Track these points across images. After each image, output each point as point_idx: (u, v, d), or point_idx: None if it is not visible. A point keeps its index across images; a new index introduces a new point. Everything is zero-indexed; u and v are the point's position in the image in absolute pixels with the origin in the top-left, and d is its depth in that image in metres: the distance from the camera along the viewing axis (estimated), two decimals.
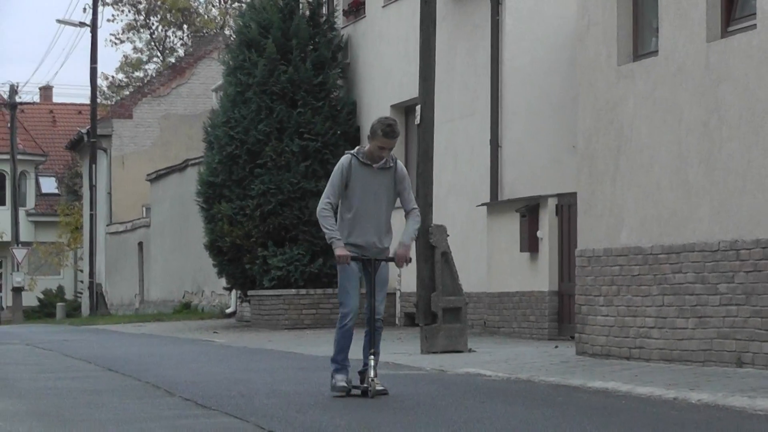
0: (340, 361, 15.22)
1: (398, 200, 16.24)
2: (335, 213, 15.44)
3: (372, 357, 15.20)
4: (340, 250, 14.81)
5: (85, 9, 73.05)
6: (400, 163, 15.47)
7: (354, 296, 15.02)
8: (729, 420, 14.45)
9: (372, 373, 15.05)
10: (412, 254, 17.44)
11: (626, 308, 23.29)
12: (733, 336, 20.37)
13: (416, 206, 15.64)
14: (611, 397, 17.43)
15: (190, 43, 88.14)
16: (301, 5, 42.79)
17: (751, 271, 19.93)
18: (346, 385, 14.94)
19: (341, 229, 15.21)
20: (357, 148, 15.43)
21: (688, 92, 21.64)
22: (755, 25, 20.13)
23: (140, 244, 64.60)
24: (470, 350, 27.14)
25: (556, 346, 28.23)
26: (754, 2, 20.35)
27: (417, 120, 30.64)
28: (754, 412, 14.76)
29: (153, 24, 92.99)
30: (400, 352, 26.35)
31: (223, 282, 46.09)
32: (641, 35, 23.76)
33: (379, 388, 15.25)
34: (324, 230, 15.24)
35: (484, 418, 14.41)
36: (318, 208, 15.39)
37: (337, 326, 15.49)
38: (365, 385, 15.08)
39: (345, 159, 15.33)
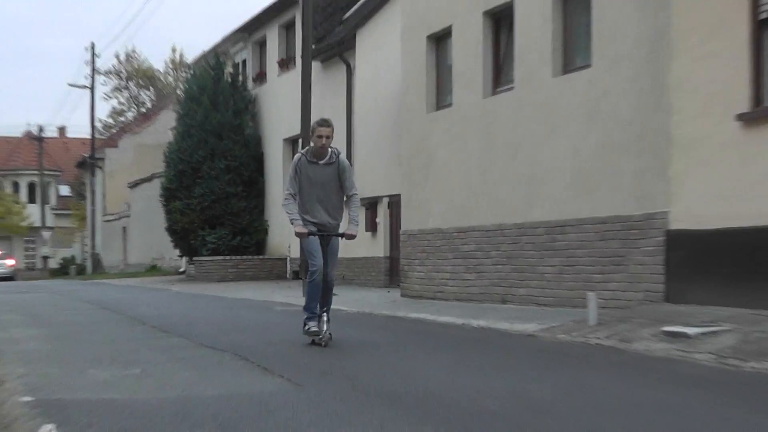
0: (311, 309, 13.39)
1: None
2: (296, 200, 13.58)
3: (325, 313, 13.57)
4: (299, 228, 13.21)
5: (86, 77, 73.34)
6: (343, 158, 13.68)
7: (318, 257, 13.29)
8: (496, 336, 15.40)
9: (325, 327, 13.38)
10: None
11: (432, 267, 23.72)
12: (499, 284, 21.10)
13: (356, 191, 13.83)
14: (423, 324, 18.00)
15: (154, 99, 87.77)
16: (225, 74, 42.81)
17: (511, 243, 20.66)
18: (317, 329, 13.25)
19: (301, 212, 13.46)
20: (306, 148, 13.76)
21: (472, 129, 22.17)
22: (513, 87, 20.95)
23: (124, 228, 65.01)
24: (334, 294, 26.72)
25: (388, 291, 27.73)
26: (512, 73, 21.16)
27: (300, 148, 30.95)
28: (513, 331, 15.66)
29: (130, 87, 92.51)
30: (290, 296, 26.05)
31: (177, 252, 45.98)
32: (442, 94, 24.05)
33: (328, 338, 13.52)
34: (287, 214, 13.54)
35: (342, 337, 14.69)
36: (282, 199, 13.78)
37: (307, 281, 13.72)
38: (320, 336, 13.31)
39: (297, 158, 13.60)
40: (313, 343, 13.33)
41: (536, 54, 20.27)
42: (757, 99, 15.02)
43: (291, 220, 13.37)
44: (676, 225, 16.49)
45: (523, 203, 20.52)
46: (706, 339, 12.53)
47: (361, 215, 32.12)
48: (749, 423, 8.16)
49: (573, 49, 19.84)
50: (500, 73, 22.04)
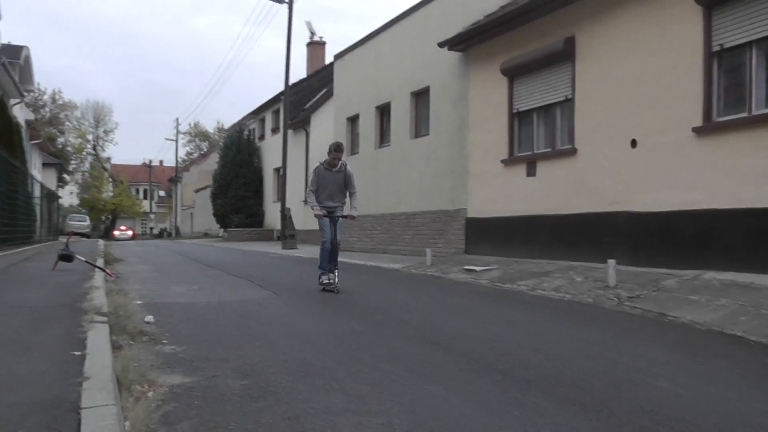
0: (323, 268, 10.63)
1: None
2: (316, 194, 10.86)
3: (336, 269, 10.55)
4: (317, 212, 10.56)
5: (174, 135, 71.91)
6: (349, 168, 11.04)
7: (328, 232, 10.54)
8: (379, 270, 15.13)
9: (336, 280, 10.45)
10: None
11: (348, 234, 22.85)
12: (381, 244, 20.68)
13: (356, 190, 11.08)
14: (342, 263, 16.74)
15: (207, 146, 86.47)
16: (243, 134, 42.08)
17: (388, 223, 20.43)
18: (328, 281, 10.45)
19: (319, 200, 10.80)
20: (324, 160, 10.89)
21: (369, 166, 21.78)
22: (390, 144, 20.65)
23: (191, 213, 63.58)
24: (297, 248, 25.45)
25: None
26: (390, 137, 20.81)
27: (281, 173, 30.35)
28: (388, 268, 15.47)
29: (195, 140, 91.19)
30: (276, 249, 25.45)
31: (218, 226, 44.58)
32: (354, 147, 23.57)
33: (338, 287, 10.56)
34: (310, 203, 10.70)
35: (301, 269, 14.64)
36: (307, 194, 10.93)
37: (321, 248, 10.73)
38: (332, 285, 10.39)
39: (318, 167, 10.83)
40: (324, 290, 10.47)
41: (402, 127, 20.20)
42: (511, 152, 15.20)
43: (312, 206, 10.70)
44: (470, 215, 16.63)
45: (394, 203, 20.33)
46: (485, 273, 12.65)
47: (300, 207, 31.69)
48: (505, 312, 8.30)
49: (420, 125, 19.71)
50: (383, 137, 21.80)
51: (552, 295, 9.99)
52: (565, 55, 13.36)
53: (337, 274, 10.53)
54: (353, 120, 24.01)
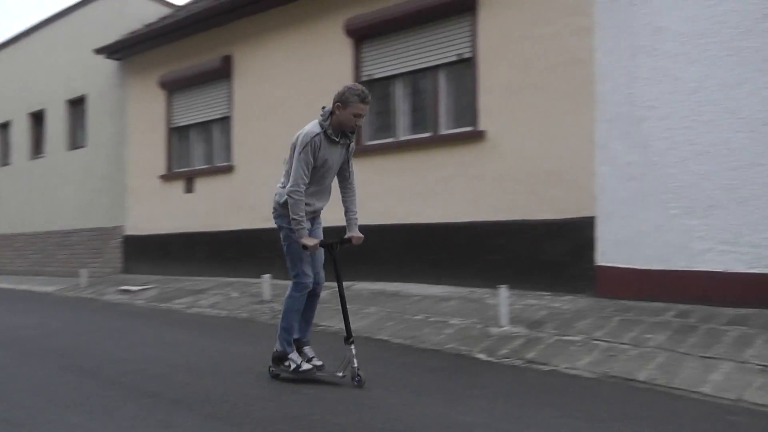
0: (292, 331, 5.73)
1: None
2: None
3: (352, 343, 5.43)
4: (307, 241, 5.30)
5: None
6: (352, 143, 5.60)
7: (309, 266, 5.67)
8: (32, 295, 14.28)
9: (355, 362, 5.36)
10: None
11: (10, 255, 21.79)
12: (34, 265, 19.24)
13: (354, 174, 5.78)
14: None
15: None
16: None
17: (41, 243, 19.38)
18: (300, 364, 5.58)
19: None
20: (321, 120, 5.37)
21: (21, 178, 20.20)
22: (45, 155, 19.43)
23: None
24: None
25: None
26: (45, 147, 19.82)
27: None
28: (39, 291, 14.46)
29: None
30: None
31: None
32: (6, 156, 21.35)
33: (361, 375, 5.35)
34: (294, 216, 5.26)
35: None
36: (290, 191, 5.27)
37: (291, 294, 5.71)
38: (315, 368, 5.63)
39: (316, 138, 5.30)
40: (296, 380, 5.62)
41: (57, 138, 18.95)
42: (169, 168, 15.09)
43: (299, 225, 5.36)
44: (128, 232, 16.12)
45: (49, 220, 18.94)
46: (142, 293, 12.54)
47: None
48: (160, 332, 8.11)
49: (77, 136, 18.64)
50: (38, 147, 20.13)
51: (208, 312, 10.15)
52: (222, 73, 13.60)
53: (354, 349, 5.49)
54: (4, 127, 21.96)
